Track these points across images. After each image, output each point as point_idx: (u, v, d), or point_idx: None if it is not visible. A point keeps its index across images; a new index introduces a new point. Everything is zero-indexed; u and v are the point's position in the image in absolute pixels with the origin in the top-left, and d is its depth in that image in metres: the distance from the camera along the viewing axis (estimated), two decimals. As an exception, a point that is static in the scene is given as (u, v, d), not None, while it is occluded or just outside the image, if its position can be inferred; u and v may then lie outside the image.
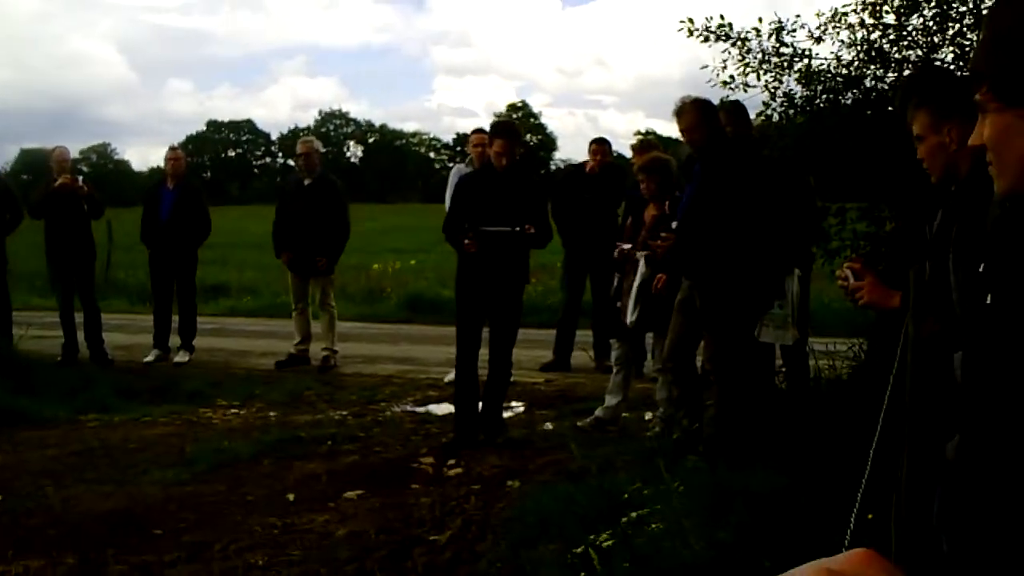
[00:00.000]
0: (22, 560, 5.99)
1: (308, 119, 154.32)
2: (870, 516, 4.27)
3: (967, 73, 8.14)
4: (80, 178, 12.88)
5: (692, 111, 7.57)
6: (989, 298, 2.11)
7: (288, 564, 5.89)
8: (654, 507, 5.71)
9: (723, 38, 9.27)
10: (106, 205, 13.33)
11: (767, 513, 5.35)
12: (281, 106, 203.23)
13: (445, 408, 9.85)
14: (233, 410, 10.33)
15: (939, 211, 3.99)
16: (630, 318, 8.47)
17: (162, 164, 13.59)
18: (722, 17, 9.37)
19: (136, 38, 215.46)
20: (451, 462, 8.03)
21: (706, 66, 9.51)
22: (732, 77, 9.38)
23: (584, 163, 12.15)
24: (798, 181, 8.62)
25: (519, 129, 9.83)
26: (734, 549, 4.93)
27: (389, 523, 6.58)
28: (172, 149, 13.57)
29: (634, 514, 5.64)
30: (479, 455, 8.19)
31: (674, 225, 7.98)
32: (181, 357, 12.87)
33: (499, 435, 8.70)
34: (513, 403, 9.97)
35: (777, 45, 9.29)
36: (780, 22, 9.30)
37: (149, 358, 12.85)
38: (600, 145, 12.09)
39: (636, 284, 8.42)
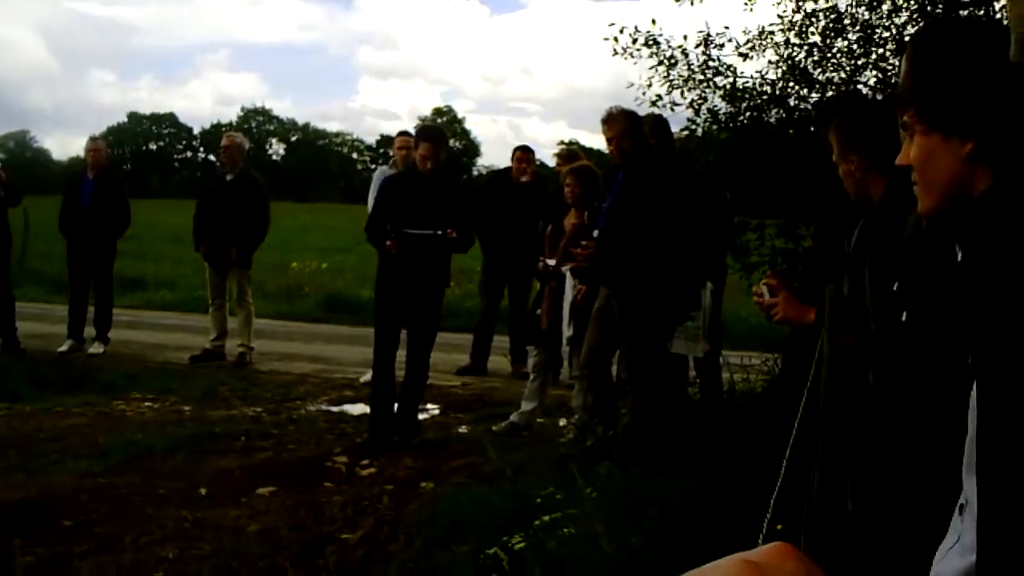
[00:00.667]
0: (-74, 549, 5.93)
1: (231, 114, 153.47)
2: (779, 527, 4.35)
3: (887, 97, 8.32)
4: None
5: (620, 119, 7.66)
6: (904, 315, 2.18)
7: (199, 558, 5.88)
8: (567, 511, 5.75)
9: (651, 45, 9.38)
10: (24, 193, 13.18)
11: (680, 520, 5.42)
12: (203, 100, 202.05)
13: (360, 408, 9.84)
14: (147, 403, 10.22)
15: (856, 229, 4.09)
16: (566, 333, 8.52)
17: (82, 154, 13.46)
18: (653, 22, 9.48)
19: (58, 25, 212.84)
20: (365, 462, 8.03)
21: (632, 84, 9.63)
22: (659, 96, 9.50)
23: (507, 169, 12.20)
24: (715, 195, 8.74)
25: (445, 134, 9.88)
26: (646, 554, 4.99)
27: (301, 520, 6.59)
28: (93, 139, 13.44)
29: (547, 517, 5.68)
30: (393, 456, 8.19)
31: (595, 234, 8.05)
32: (96, 348, 12.75)
33: (414, 436, 8.72)
34: (429, 405, 9.97)
35: (704, 58, 9.41)
36: (708, 34, 9.43)
37: (63, 348, 12.70)
38: (525, 153, 12.15)
39: (568, 299, 8.47)
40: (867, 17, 9.13)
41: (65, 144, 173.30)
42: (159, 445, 8.35)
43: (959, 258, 1.88)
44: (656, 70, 9.56)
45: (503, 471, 7.41)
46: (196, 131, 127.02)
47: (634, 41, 9.54)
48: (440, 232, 8.39)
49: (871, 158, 4.00)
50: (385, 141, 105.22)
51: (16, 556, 5.86)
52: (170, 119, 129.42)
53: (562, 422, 9.24)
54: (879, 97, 8.87)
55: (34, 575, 5.67)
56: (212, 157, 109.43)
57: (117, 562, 5.84)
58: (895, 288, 2.57)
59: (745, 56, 9.46)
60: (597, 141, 39.21)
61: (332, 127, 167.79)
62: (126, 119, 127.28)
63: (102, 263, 12.95)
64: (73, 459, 7.97)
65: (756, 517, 4.49)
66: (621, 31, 9.58)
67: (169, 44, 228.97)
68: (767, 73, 9.46)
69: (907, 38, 8.81)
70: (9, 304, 12.67)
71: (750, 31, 9.42)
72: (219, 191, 12.57)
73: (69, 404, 10.02)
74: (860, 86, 9.24)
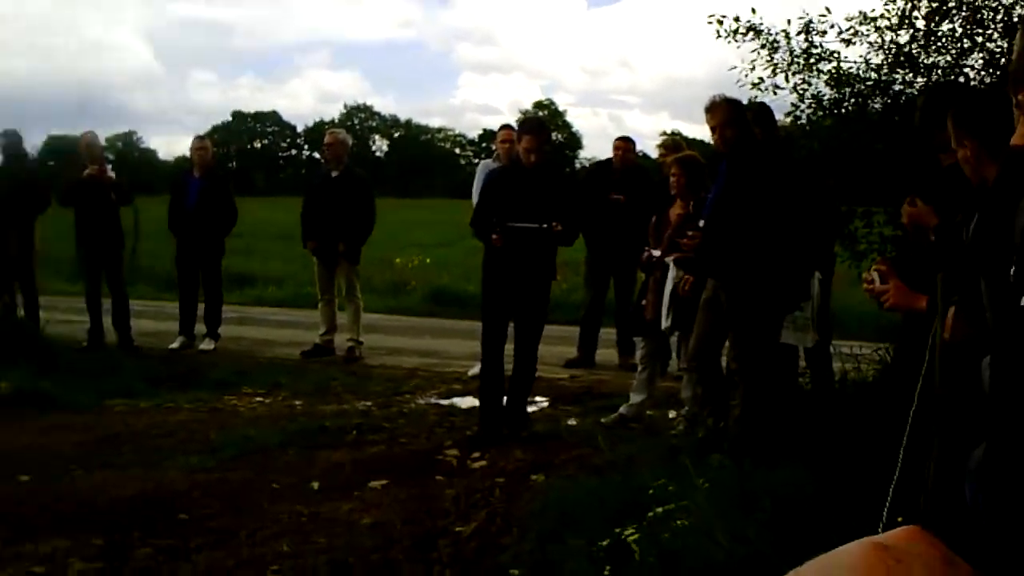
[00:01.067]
0: (50, 541, 6.04)
1: (332, 112, 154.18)
2: (900, 520, 4.29)
3: (997, 79, 8.16)
4: (108, 167, 12.95)
5: (724, 108, 7.57)
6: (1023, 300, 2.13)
7: (314, 552, 5.91)
8: (679, 503, 5.72)
9: (752, 32, 9.30)
10: (135, 193, 13.40)
11: (793, 511, 5.36)
12: (305, 99, 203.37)
13: (469, 402, 9.87)
14: (258, 398, 10.39)
15: (975, 214, 4.02)
16: (664, 324, 8.48)
17: (188, 153, 13.67)
18: (753, 11, 9.40)
19: (160, 28, 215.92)
20: (476, 455, 8.05)
21: (734, 67, 9.55)
22: (761, 79, 9.41)
23: (609, 159, 12.16)
24: (820, 183, 8.63)
25: (547, 126, 9.87)
26: (760, 545, 4.95)
27: (414, 513, 6.61)
28: (199, 138, 13.67)
29: (660, 509, 5.64)
30: (503, 449, 8.19)
31: (701, 224, 7.99)
32: (206, 345, 12.97)
33: (523, 429, 8.72)
34: (537, 398, 9.97)
35: (807, 44, 9.31)
36: (809, 21, 9.32)
37: (174, 345, 12.94)
38: (624, 142, 12.10)
39: (668, 290, 8.43)
40: (972, -1, 8.97)
41: (170, 144, 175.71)
42: (271, 440, 8.46)
43: None
44: (759, 53, 9.49)
45: (614, 463, 7.40)
46: (299, 129, 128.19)
47: (735, 32, 9.47)
48: (545, 225, 8.38)
49: (984, 143, 3.94)
50: (487, 136, 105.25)
51: (135, 548, 5.97)
52: (273, 117, 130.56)
53: (672, 414, 9.19)
54: (987, 80, 8.72)
55: (152, 567, 5.74)
56: (316, 154, 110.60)
57: (233, 555, 5.89)
58: (1012, 273, 2.51)
59: (848, 42, 9.35)
60: (699, 131, 38.96)
61: (433, 123, 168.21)
62: (231, 118, 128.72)
63: (210, 260, 13.15)
64: (186, 454, 8.10)
65: (870, 507, 4.43)
66: (720, 23, 9.52)
67: (269, 44, 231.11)
68: (871, 58, 9.34)
69: (1016, 18, 8.65)
70: (123, 303, 12.91)
71: (853, 17, 9.31)
72: (325, 188, 12.69)
73: (181, 400, 10.21)
74: (967, 69, 9.08)
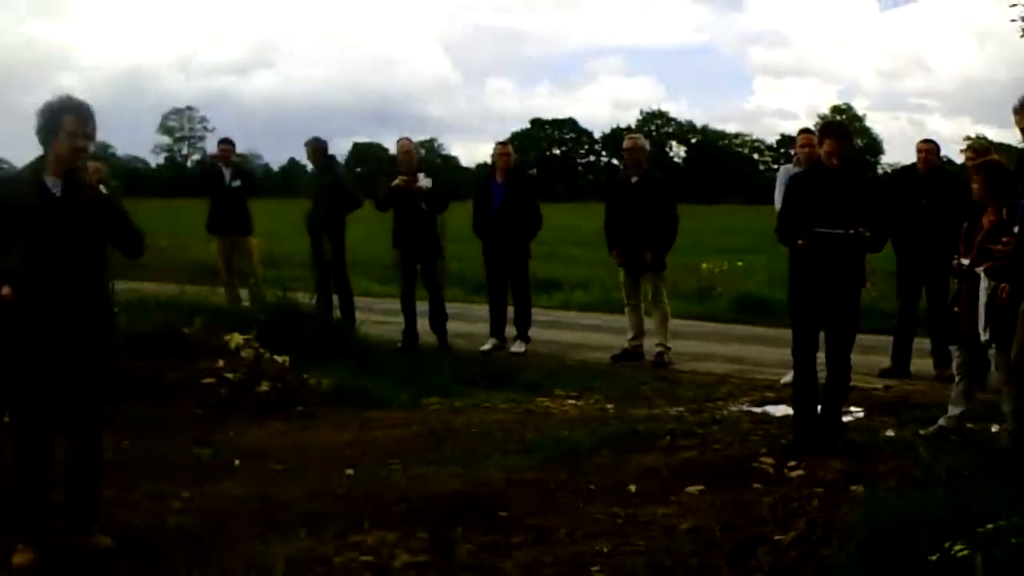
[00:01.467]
0: (378, 531, 6.27)
1: (627, 118, 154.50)
2: None
3: None
4: (420, 175, 13.31)
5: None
6: None
7: (633, 554, 5.93)
8: (1011, 520, 5.49)
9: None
10: (450, 199, 13.72)
11: None
12: (600, 105, 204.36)
13: (783, 409, 9.71)
14: (571, 401, 10.52)
15: None
16: (983, 336, 8.19)
17: (488, 160, 13.93)
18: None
19: (456, 37, 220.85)
20: (792, 463, 7.89)
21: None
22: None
23: (913, 164, 11.83)
24: None
25: (848, 129, 9.65)
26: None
27: (731, 520, 6.52)
28: (501, 144, 13.89)
29: (990, 526, 5.44)
30: (820, 458, 7.98)
31: (1016, 230, 7.69)
32: (517, 347, 13.19)
33: (838, 438, 8.51)
34: (852, 408, 9.72)
35: None
36: None
37: (486, 347, 13.22)
38: (928, 144, 11.73)
39: (983, 300, 8.14)
40: None
41: (470, 150, 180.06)
42: (584, 442, 8.52)
43: None
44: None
45: (936, 476, 7.18)
46: (596, 135, 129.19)
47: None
48: (852, 231, 8.18)
49: None
50: (785, 140, 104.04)
51: (457, 544, 6.11)
52: (571, 124, 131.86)
53: (994, 428, 8.84)
54: None
55: (474, 563, 5.87)
56: (614, 161, 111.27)
57: (552, 553, 5.97)
58: None
59: None
60: (1007, 135, 37.42)
61: (728, 128, 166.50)
62: (529, 125, 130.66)
63: (517, 264, 13.37)
64: (502, 454, 8.28)
65: None
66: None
67: (563, 50, 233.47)
68: None
69: None
70: (440, 305, 13.34)
71: None
72: (626, 193, 12.75)
73: (495, 400, 10.45)
74: None
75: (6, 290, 5.70)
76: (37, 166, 5.89)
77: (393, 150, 16.05)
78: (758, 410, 10.05)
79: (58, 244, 5.77)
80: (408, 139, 13.94)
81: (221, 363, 10.42)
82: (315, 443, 8.76)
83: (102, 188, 5.96)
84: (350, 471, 7.77)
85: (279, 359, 10.62)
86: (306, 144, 14.59)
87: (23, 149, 6.36)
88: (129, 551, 6.00)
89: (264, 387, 10.10)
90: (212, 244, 16.50)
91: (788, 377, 9.52)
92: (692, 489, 7.23)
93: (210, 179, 15.97)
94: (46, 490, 5.98)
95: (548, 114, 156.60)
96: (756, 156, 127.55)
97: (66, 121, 5.78)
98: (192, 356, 10.69)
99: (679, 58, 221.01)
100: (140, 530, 6.33)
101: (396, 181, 13.11)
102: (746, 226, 36.74)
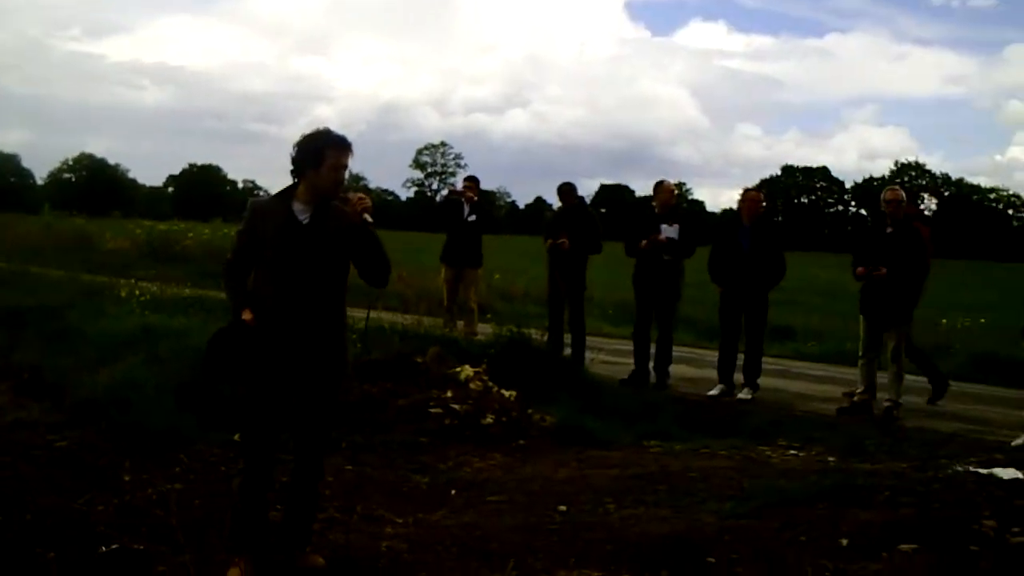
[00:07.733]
0: (583, 569, 6.33)
1: (875, 169, 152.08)
2: None
3: None
4: (663, 226, 13.47)
5: None
6: None
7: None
8: None
9: None
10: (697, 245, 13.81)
11: None
12: (849, 154, 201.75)
13: (1011, 472, 9.37)
14: (792, 451, 10.39)
15: None
16: None
17: (733, 205, 13.92)
18: None
19: (707, 82, 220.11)
20: (1015, 529, 7.65)
21: None
22: None
23: None
24: None
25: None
26: None
27: (947, 582, 6.41)
28: (748, 190, 13.86)
29: None
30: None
31: None
32: (744, 394, 13.12)
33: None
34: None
35: None
36: None
37: (713, 392, 13.20)
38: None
39: None
40: None
41: (715, 195, 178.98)
42: (801, 493, 8.39)
43: None
44: None
45: None
46: (847, 185, 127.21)
47: None
48: None
49: None
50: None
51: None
52: (822, 173, 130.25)
53: None
54: None
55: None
56: (863, 211, 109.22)
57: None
58: None
59: None
60: None
61: (981, 181, 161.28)
62: (779, 172, 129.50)
63: (756, 311, 13.31)
64: (717, 500, 8.21)
65: None
66: None
67: (814, 99, 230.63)
68: None
69: None
70: (667, 345, 13.37)
71: None
72: (879, 243, 12.52)
73: (716, 446, 10.39)
74: None
75: (247, 315, 5.98)
76: (287, 193, 6.15)
77: (640, 191, 16.22)
78: (985, 471, 9.74)
79: (299, 271, 5.99)
80: (667, 182, 14.12)
81: (450, 393, 10.70)
82: (532, 477, 8.89)
83: (367, 217, 6.13)
84: (563, 507, 7.86)
85: (507, 393, 10.84)
86: (559, 188, 14.95)
87: (273, 177, 6.62)
88: (339, 572, 6.22)
89: (489, 419, 10.30)
90: (440, 272, 17.05)
91: (1020, 440, 9.26)
92: (906, 547, 7.06)
93: (449, 212, 16.58)
94: (266, 508, 6.23)
95: (793, 161, 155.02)
96: (1011, 211, 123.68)
97: (329, 154, 6.00)
98: (423, 385, 10.99)
99: (934, 109, 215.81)
100: (352, 552, 6.54)
101: (642, 244, 13.35)
102: (992, 282, 35.61)
